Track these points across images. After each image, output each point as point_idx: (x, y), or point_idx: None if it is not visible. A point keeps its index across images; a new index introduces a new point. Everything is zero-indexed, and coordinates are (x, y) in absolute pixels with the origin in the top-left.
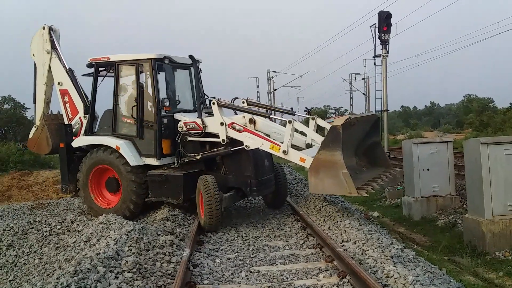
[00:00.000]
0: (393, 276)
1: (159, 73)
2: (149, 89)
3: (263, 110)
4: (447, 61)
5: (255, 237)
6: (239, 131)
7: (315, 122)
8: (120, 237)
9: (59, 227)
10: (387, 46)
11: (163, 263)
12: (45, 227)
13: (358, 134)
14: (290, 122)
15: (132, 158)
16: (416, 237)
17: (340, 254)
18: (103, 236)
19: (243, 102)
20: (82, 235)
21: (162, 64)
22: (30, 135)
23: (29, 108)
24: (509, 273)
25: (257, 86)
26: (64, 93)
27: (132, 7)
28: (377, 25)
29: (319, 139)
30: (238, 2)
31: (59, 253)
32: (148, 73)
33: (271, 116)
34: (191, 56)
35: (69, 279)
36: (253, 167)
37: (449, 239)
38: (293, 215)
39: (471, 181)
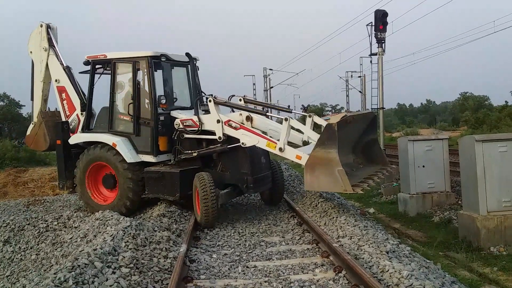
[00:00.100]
0: (388, 270)
1: (156, 71)
2: (146, 87)
3: (260, 108)
4: (443, 59)
5: (251, 233)
6: (235, 128)
7: (312, 119)
8: (117, 233)
9: (56, 223)
10: (383, 44)
11: (160, 258)
12: (42, 223)
13: (355, 131)
14: (286, 119)
15: (128, 155)
16: (412, 233)
17: (336, 249)
18: (100, 232)
19: (240, 100)
20: (79, 231)
21: (159, 62)
22: (28, 132)
23: (24, 106)
24: (503, 268)
25: (254, 84)
26: (61, 90)
27: (127, 7)
28: (373, 24)
29: (315, 136)
30: (235, 2)
31: (56, 249)
32: (145, 70)
33: (267, 113)
34: (187, 54)
35: (66, 274)
36: (249, 164)
37: (444, 235)
38: (290, 211)
39: (466, 177)
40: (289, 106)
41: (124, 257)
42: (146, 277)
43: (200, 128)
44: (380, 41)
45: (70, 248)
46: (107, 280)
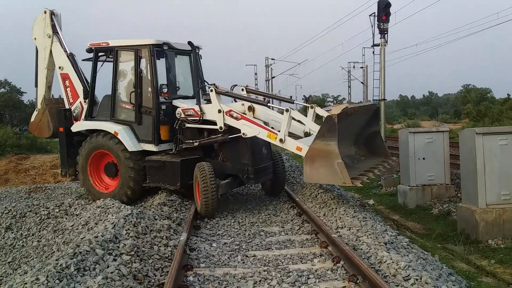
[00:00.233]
0: (386, 261)
1: (158, 59)
2: (148, 75)
3: (261, 98)
4: (446, 51)
5: (251, 222)
6: (236, 118)
7: (314, 111)
8: (118, 221)
9: (57, 210)
10: (386, 35)
11: (160, 246)
12: (43, 210)
13: (357, 123)
14: (287, 110)
15: (130, 143)
16: (411, 224)
17: (334, 240)
18: (101, 220)
19: (243, 90)
20: (80, 218)
21: (161, 50)
22: (32, 119)
23: (25, 92)
24: (501, 261)
25: (255, 74)
26: (65, 77)
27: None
28: (376, 14)
29: (316, 128)
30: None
31: (57, 236)
32: (147, 59)
33: (268, 104)
34: (190, 42)
35: (68, 261)
36: (250, 155)
37: (443, 227)
38: (289, 201)
39: (466, 170)
40: (291, 97)
41: (125, 244)
42: (146, 265)
43: (201, 118)
44: (383, 32)
45: (71, 235)
46: (108, 267)
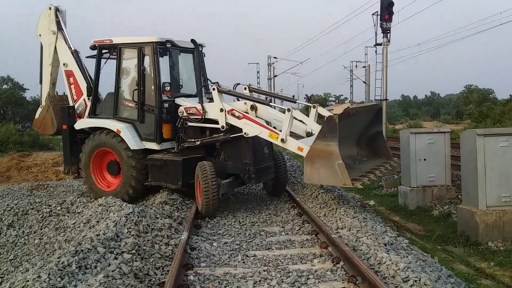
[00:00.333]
0: (385, 262)
1: (161, 57)
2: (151, 73)
3: (263, 97)
4: (449, 51)
5: (252, 222)
6: (238, 117)
7: (316, 110)
8: (120, 219)
9: (59, 208)
10: (388, 34)
11: (161, 245)
12: (45, 208)
13: (359, 124)
14: (289, 110)
15: (132, 141)
16: (411, 226)
17: (334, 240)
18: (103, 218)
19: (245, 88)
20: (82, 216)
21: (164, 48)
22: (36, 115)
23: (28, 89)
24: (500, 263)
25: (258, 72)
26: (69, 74)
27: None
28: (379, 13)
29: (318, 128)
30: None
31: (59, 234)
32: (150, 56)
33: (270, 103)
34: (193, 40)
35: (70, 259)
36: (252, 154)
37: (443, 229)
38: (290, 201)
39: (466, 172)
40: (293, 96)
41: (126, 243)
42: (147, 263)
43: (203, 117)
44: (385, 31)
45: (73, 233)
46: (109, 265)
